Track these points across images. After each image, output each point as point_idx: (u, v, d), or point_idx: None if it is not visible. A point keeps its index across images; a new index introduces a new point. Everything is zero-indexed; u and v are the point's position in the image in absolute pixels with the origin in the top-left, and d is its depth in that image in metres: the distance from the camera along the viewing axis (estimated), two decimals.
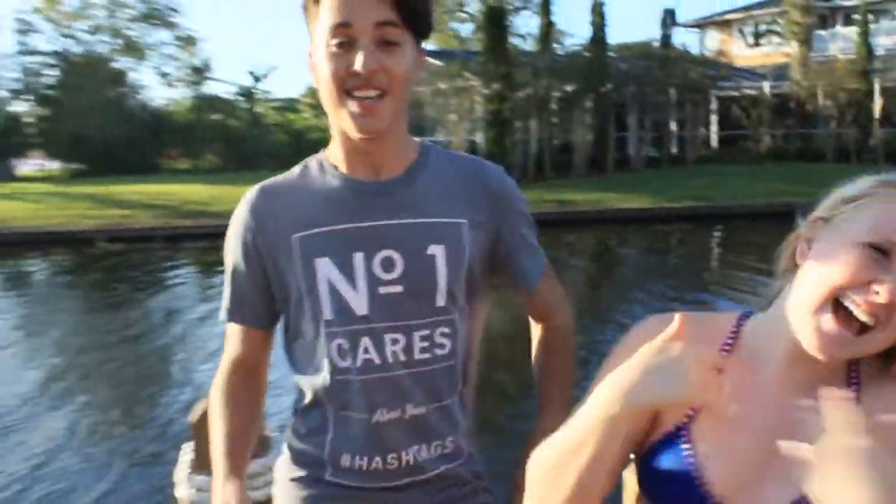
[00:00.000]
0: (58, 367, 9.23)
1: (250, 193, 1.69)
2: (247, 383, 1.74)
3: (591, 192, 23.20)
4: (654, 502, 1.35)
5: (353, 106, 1.50)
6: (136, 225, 20.40)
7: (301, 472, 1.72)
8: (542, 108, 27.99)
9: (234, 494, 1.53)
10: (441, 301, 1.62)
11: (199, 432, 1.87)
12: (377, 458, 1.65)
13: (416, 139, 1.73)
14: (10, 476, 5.89)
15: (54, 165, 37.95)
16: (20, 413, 7.34)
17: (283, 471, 1.77)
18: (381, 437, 1.64)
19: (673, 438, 1.30)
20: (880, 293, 1.14)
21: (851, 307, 1.16)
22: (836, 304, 1.18)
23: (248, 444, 1.70)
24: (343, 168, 1.64)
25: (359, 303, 1.58)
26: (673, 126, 32.14)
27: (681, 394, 1.14)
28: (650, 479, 1.33)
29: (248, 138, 38.58)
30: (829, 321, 1.18)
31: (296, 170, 1.72)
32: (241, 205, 1.69)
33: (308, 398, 1.70)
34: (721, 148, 31.59)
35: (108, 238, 19.26)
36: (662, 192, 22.71)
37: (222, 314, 1.74)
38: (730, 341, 1.36)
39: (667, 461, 1.29)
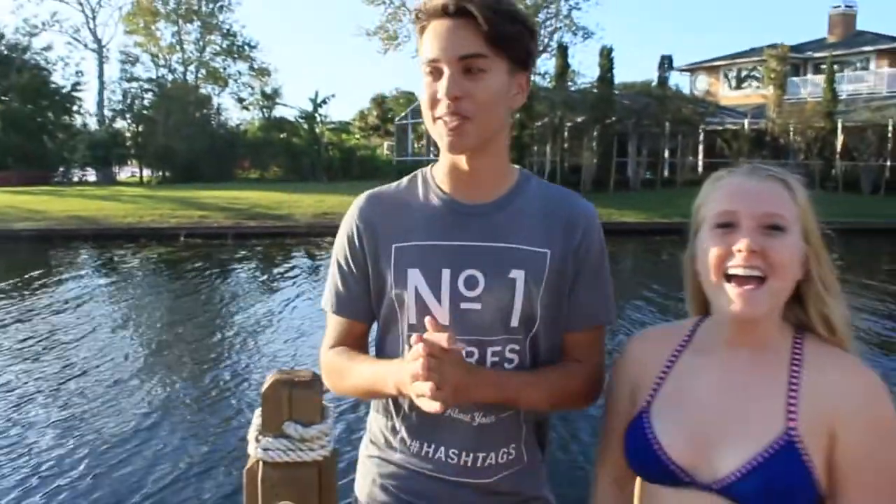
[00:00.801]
0: (149, 339, 9.33)
1: (360, 199, 1.62)
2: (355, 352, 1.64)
3: (596, 208, 22.89)
4: (635, 471, 1.40)
5: (441, 127, 1.44)
6: (213, 224, 20.55)
7: (375, 452, 1.66)
8: (556, 135, 27.95)
9: (406, 367, 1.38)
10: (515, 322, 1.52)
11: (267, 400, 1.88)
12: (441, 449, 1.56)
13: (517, 167, 1.62)
14: (120, 428, 5.97)
15: (147, 173, 38.37)
16: (122, 376, 7.42)
17: (363, 449, 1.71)
18: (453, 434, 1.56)
19: (639, 419, 1.37)
20: (742, 249, 1.24)
21: (734, 271, 1.25)
22: (727, 277, 1.26)
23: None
24: (445, 187, 1.56)
25: (440, 314, 1.49)
26: (666, 153, 31.93)
27: None
28: (628, 453, 1.38)
29: (307, 154, 38.80)
30: (730, 289, 1.25)
31: (404, 181, 1.64)
32: (351, 208, 1.62)
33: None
34: (706, 173, 30.98)
35: (188, 234, 19.43)
36: (656, 209, 22.61)
37: (328, 306, 1.64)
38: (686, 339, 1.42)
39: (635, 438, 1.36)
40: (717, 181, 1.37)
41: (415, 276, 1.52)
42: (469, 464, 1.56)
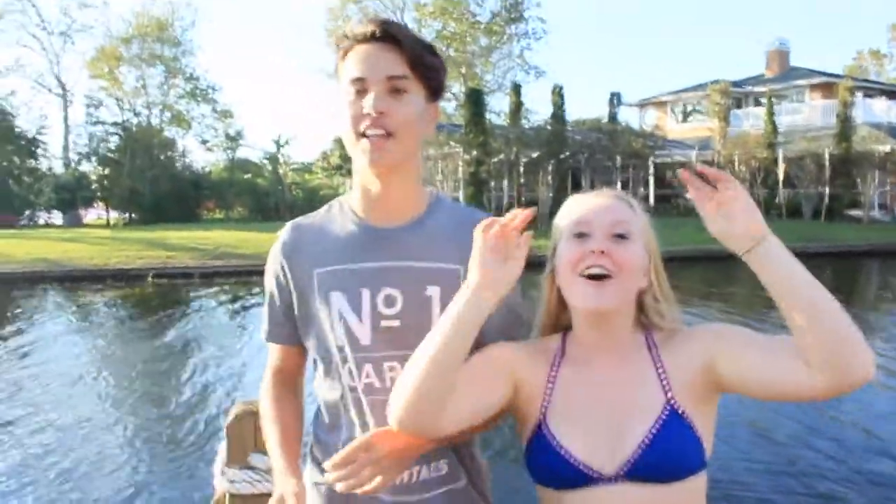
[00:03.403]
0: (116, 378, 9.13)
1: (284, 230, 1.67)
2: (287, 388, 1.70)
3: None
4: (547, 486, 1.45)
5: (365, 143, 1.48)
6: (179, 264, 20.31)
7: (319, 478, 1.64)
8: (512, 170, 28.17)
9: (293, 488, 1.47)
10: None
11: (232, 433, 1.85)
12: None
13: (428, 189, 1.69)
14: (77, 463, 5.81)
15: (113, 215, 37.87)
16: (88, 415, 7.24)
17: (308, 476, 1.70)
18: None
19: (538, 434, 1.44)
20: (594, 251, 1.39)
21: (587, 272, 1.39)
22: (582, 279, 1.40)
23: (299, 439, 1.64)
24: (360, 212, 1.61)
25: (363, 333, 1.55)
26: (618, 185, 32.33)
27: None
28: (535, 468, 1.45)
29: (271, 194, 38.64)
30: (582, 284, 1.40)
31: (323, 210, 1.68)
32: (277, 240, 1.66)
33: (325, 411, 1.66)
34: (657, 204, 31.75)
35: (156, 275, 19.17)
36: None
37: (263, 335, 1.70)
38: (560, 349, 1.51)
39: (540, 449, 1.43)
40: (571, 202, 1.53)
41: (337, 299, 1.56)
42: (403, 480, 1.56)
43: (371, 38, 1.49)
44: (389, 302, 1.55)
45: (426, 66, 1.52)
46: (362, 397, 1.58)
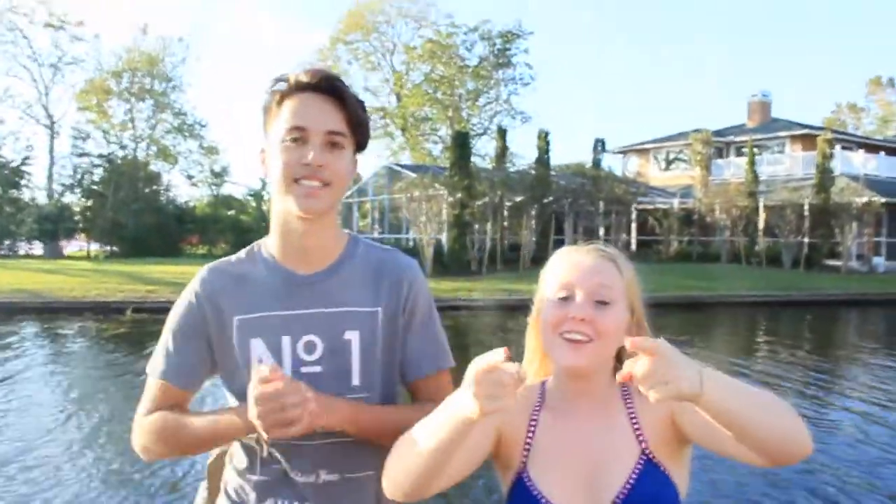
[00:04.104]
0: (92, 413, 8.97)
1: (202, 272, 1.64)
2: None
3: (535, 283, 23.06)
4: None
5: (299, 191, 1.49)
6: (160, 298, 20.08)
7: None
8: (496, 213, 28.24)
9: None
10: (356, 380, 1.58)
11: (213, 471, 1.82)
12: None
13: (346, 231, 1.70)
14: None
15: (94, 247, 37.60)
16: (63, 449, 7.10)
17: None
18: (300, 492, 1.58)
19: (519, 482, 1.48)
20: (576, 317, 1.44)
21: (568, 336, 1.44)
22: (562, 339, 1.45)
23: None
24: (280, 258, 1.61)
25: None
26: (601, 231, 32.48)
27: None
28: None
29: (255, 230, 38.52)
30: (562, 345, 1.45)
31: (242, 254, 1.67)
32: (194, 281, 1.64)
33: (242, 452, 1.64)
34: (639, 250, 31.94)
35: (136, 309, 18.98)
36: None
37: (154, 371, 1.62)
38: (539, 400, 1.56)
39: (522, 496, 1.47)
40: (560, 257, 1.58)
41: (258, 346, 1.56)
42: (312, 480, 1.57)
43: (313, 88, 1.51)
44: (310, 348, 1.56)
45: (362, 125, 1.56)
46: (278, 443, 1.56)
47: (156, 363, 1.63)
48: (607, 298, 1.47)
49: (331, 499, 1.58)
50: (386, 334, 1.60)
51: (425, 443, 1.32)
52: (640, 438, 1.47)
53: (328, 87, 1.51)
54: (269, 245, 1.65)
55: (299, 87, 1.51)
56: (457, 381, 1.65)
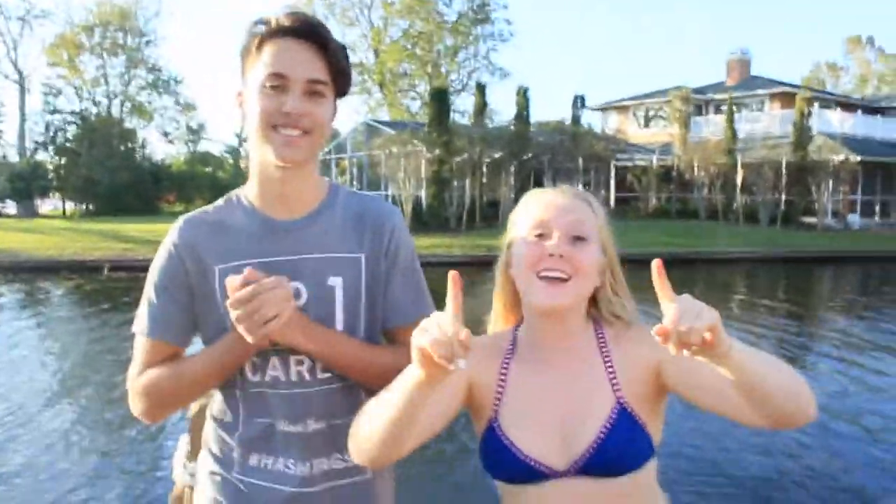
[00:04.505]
0: (69, 371, 8.96)
1: (178, 224, 1.60)
2: None
3: None
4: (498, 478, 1.48)
5: (278, 139, 1.46)
6: (137, 257, 19.97)
7: (215, 468, 1.63)
8: (475, 170, 28.18)
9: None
10: (340, 326, 1.55)
11: (194, 426, 1.83)
12: (279, 461, 1.57)
13: (326, 179, 1.68)
14: (28, 457, 5.68)
15: (69, 206, 37.19)
16: (40, 408, 7.09)
17: (203, 465, 1.69)
18: (286, 444, 1.56)
19: (490, 431, 1.46)
20: (553, 254, 1.41)
21: (545, 274, 1.41)
22: (539, 278, 1.42)
23: None
24: (259, 206, 1.58)
25: None
26: (580, 188, 32.51)
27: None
28: (489, 464, 1.47)
29: (232, 187, 37.64)
30: (539, 285, 1.41)
31: (220, 202, 1.64)
32: (170, 233, 1.60)
33: (223, 404, 1.62)
34: (617, 207, 32.05)
35: (112, 267, 18.87)
36: None
37: (142, 329, 1.58)
38: (510, 349, 1.53)
39: (493, 447, 1.45)
40: (531, 198, 1.54)
41: None
42: (307, 472, 1.57)
43: (293, 33, 1.46)
44: (295, 295, 1.50)
45: (343, 73, 1.52)
46: (267, 391, 1.56)
47: (141, 321, 1.59)
48: (584, 234, 1.45)
49: (317, 448, 1.57)
50: (369, 280, 1.59)
51: (386, 411, 1.29)
52: (616, 387, 1.44)
53: (310, 32, 1.46)
54: (247, 193, 1.62)
55: (280, 31, 1.46)
56: None
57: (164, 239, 1.61)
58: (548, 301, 1.41)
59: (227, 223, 1.59)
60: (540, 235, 1.44)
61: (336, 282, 1.55)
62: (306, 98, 1.46)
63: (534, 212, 1.48)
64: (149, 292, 1.60)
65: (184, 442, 1.70)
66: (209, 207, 1.65)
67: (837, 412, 7.06)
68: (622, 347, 1.48)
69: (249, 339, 1.40)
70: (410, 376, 1.23)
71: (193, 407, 1.69)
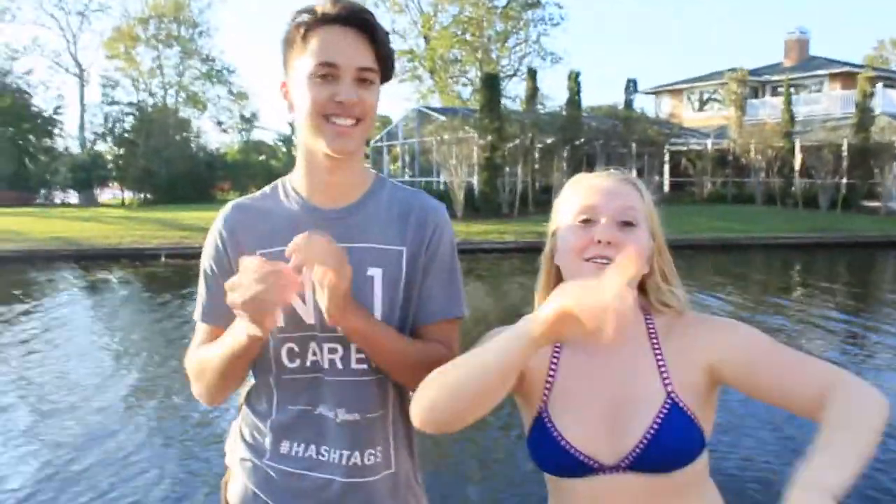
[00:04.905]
0: (132, 357, 9.18)
1: (225, 209, 1.64)
2: None
3: None
4: (547, 470, 1.44)
5: (330, 129, 1.46)
6: (194, 244, 20.33)
7: (248, 455, 1.64)
8: (527, 156, 28.04)
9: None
10: (378, 317, 1.53)
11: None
12: (311, 449, 1.57)
13: (372, 170, 1.68)
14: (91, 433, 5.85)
15: (128, 195, 38.04)
16: (105, 395, 7.29)
17: (235, 452, 1.69)
18: (318, 432, 1.56)
19: (539, 421, 1.42)
20: (601, 241, 1.36)
21: (596, 261, 1.36)
22: (587, 265, 1.37)
23: None
24: (304, 193, 1.59)
25: (307, 314, 1.51)
26: (633, 173, 32.03)
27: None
28: (537, 455, 1.43)
29: (284, 175, 38.72)
30: (588, 273, 1.31)
31: (266, 189, 1.67)
32: (217, 219, 1.63)
33: (257, 390, 1.63)
34: (671, 192, 31.62)
35: (169, 255, 19.26)
36: None
37: (197, 314, 1.64)
38: None
39: (542, 438, 1.41)
40: (576, 183, 1.49)
41: None
42: (337, 462, 1.56)
43: (341, 21, 1.45)
44: None
45: (390, 58, 1.52)
46: (302, 378, 1.56)
47: (197, 307, 1.64)
48: (632, 219, 1.39)
49: (347, 439, 1.56)
50: (408, 274, 1.57)
51: (486, 363, 1.26)
52: (666, 380, 1.39)
53: (357, 19, 1.46)
54: (293, 180, 1.63)
55: (327, 20, 1.45)
56: (468, 331, 1.63)
57: (212, 223, 1.63)
58: None
59: (271, 209, 1.60)
60: (586, 221, 1.40)
61: (375, 272, 1.55)
62: (357, 86, 1.46)
63: (579, 197, 1.44)
64: (201, 278, 1.64)
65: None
66: (257, 194, 1.67)
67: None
68: (673, 339, 1.43)
69: (249, 329, 1.38)
70: (526, 333, 1.20)
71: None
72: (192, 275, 16.97)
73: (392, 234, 1.58)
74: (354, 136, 1.48)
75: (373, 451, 1.58)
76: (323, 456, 1.57)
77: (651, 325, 1.45)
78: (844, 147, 28.55)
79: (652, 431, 1.35)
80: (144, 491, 5.05)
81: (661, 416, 1.35)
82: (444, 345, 1.59)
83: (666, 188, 32.41)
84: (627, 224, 1.39)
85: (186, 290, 14.51)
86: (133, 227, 22.41)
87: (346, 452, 1.56)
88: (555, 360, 1.47)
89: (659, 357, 1.41)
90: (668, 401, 1.37)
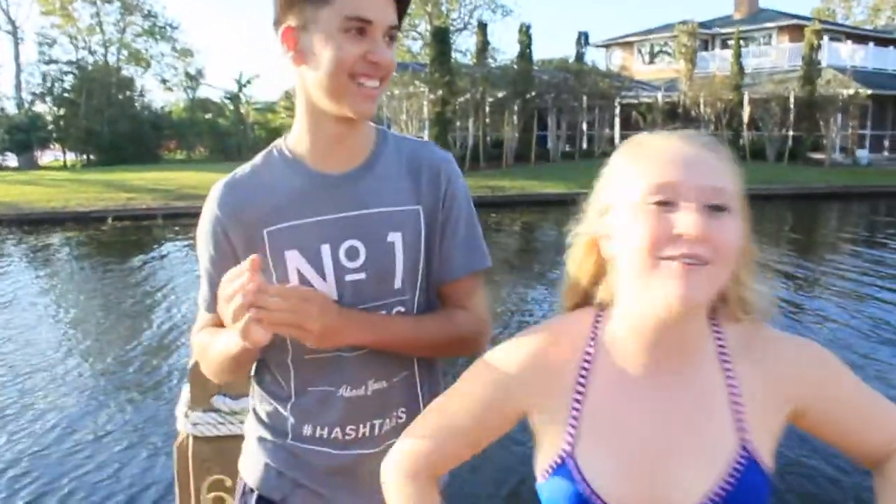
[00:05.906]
0: (78, 321, 9.07)
1: (216, 189, 1.49)
2: None
3: (518, 180, 23.30)
4: None
5: (357, 91, 1.36)
6: (141, 206, 20.02)
7: (267, 435, 1.56)
8: (478, 110, 27.98)
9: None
10: (398, 283, 1.47)
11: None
12: (337, 429, 1.50)
13: (372, 124, 1.55)
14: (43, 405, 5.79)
15: (70, 157, 37.07)
16: (48, 358, 7.20)
17: (251, 430, 1.62)
18: (345, 411, 1.49)
19: (563, 465, 1.09)
20: (691, 235, 0.97)
21: (673, 263, 0.98)
22: (665, 263, 0.99)
23: None
24: (306, 159, 1.47)
25: (328, 291, 1.42)
26: (584, 126, 32.31)
27: None
28: None
29: (232, 134, 38.14)
30: (670, 274, 0.98)
31: (258, 160, 1.52)
32: (208, 201, 1.49)
33: (270, 372, 1.55)
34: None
35: (116, 217, 18.90)
36: (575, 179, 22.80)
37: (202, 304, 1.55)
38: (591, 347, 1.12)
39: (565, 489, 1.08)
40: (640, 146, 1.09)
41: (294, 258, 1.44)
42: (367, 434, 1.51)
43: None
44: (352, 254, 1.44)
45: (404, 12, 1.44)
46: (325, 357, 1.48)
47: (200, 294, 1.56)
48: (725, 203, 1.01)
49: (378, 409, 1.51)
50: (428, 234, 1.49)
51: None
52: (740, 423, 1.05)
53: None
54: (291, 145, 1.50)
55: None
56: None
57: (203, 207, 1.51)
58: (683, 297, 0.98)
59: (270, 181, 1.48)
60: (661, 203, 1.00)
61: (395, 237, 1.46)
62: (386, 44, 1.38)
63: (652, 168, 1.03)
64: (201, 265, 1.54)
65: (185, 391, 1.71)
66: (247, 166, 1.53)
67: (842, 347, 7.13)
68: (750, 361, 1.09)
69: (240, 341, 1.29)
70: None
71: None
72: (142, 237, 16.75)
73: (406, 193, 1.48)
74: (377, 98, 1.40)
75: (405, 410, 1.53)
76: (349, 435, 1.51)
77: (720, 341, 1.10)
78: (791, 100, 29.02)
79: (722, 491, 1.03)
80: (93, 449, 5.04)
81: (735, 471, 1.03)
82: (465, 305, 1.52)
83: (617, 141, 32.60)
84: (718, 208, 1.00)
85: (137, 253, 14.30)
86: (77, 190, 21.89)
87: (376, 421, 1.51)
88: (581, 384, 1.11)
89: (732, 386, 1.07)
90: (743, 452, 1.04)
